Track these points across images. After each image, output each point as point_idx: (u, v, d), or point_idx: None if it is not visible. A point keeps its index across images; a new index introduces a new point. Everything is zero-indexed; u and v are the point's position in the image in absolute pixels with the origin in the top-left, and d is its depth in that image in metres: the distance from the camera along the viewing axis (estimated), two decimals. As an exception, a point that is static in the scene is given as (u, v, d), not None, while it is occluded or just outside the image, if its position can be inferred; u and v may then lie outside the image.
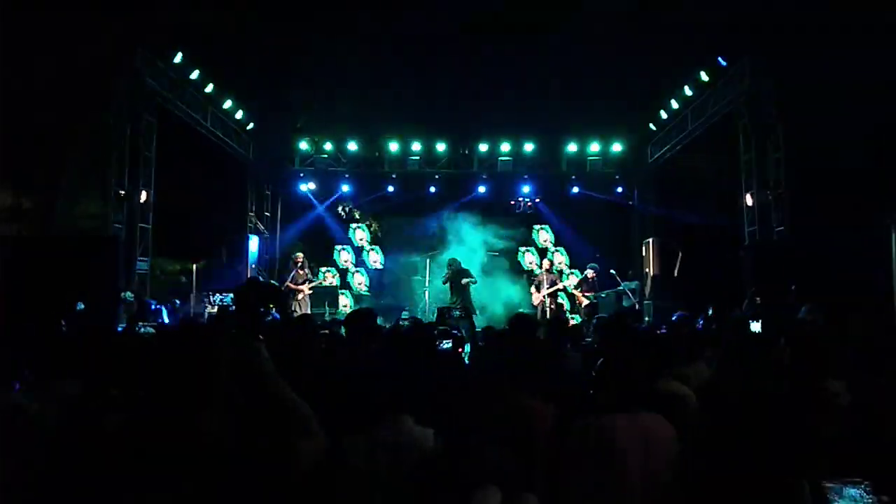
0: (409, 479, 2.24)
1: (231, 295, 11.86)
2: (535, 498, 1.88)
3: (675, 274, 13.07)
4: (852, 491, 1.93)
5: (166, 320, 9.94)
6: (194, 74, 11.61)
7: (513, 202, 15.90)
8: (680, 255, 13.17)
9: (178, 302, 11.68)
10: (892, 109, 9.09)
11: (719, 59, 11.13)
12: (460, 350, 5.75)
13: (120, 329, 6.81)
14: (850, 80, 9.18)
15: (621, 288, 12.48)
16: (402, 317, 11.78)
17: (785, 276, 9.72)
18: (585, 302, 12.63)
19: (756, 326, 6.75)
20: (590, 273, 12.87)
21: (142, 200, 10.76)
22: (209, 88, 12.17)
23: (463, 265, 12.75)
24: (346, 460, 2.40)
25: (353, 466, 2.39)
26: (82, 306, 7.90)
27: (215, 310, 11.64)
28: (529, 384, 2.79)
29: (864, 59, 8.87)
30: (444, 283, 12.69)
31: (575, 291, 13.04)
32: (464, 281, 12.26)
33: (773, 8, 8.86)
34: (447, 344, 5.09)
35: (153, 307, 10.11)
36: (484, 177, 15.38)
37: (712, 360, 3.96)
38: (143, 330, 6.36)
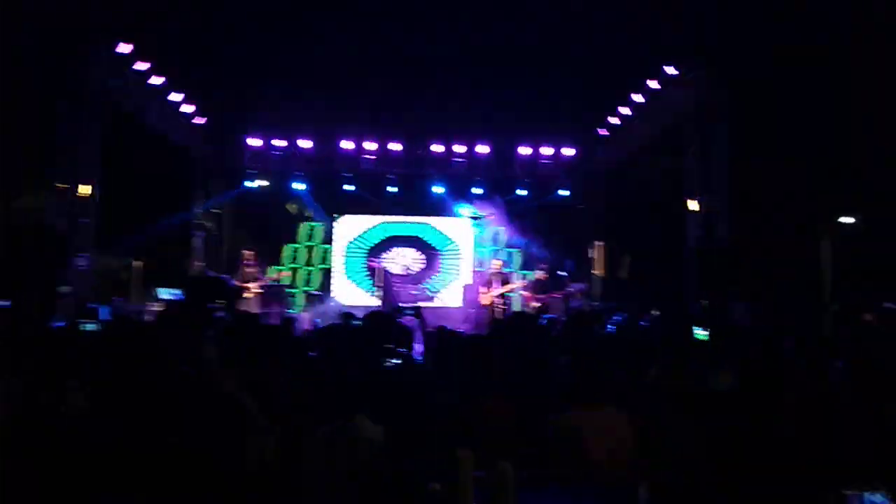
0: (362, 473, 2.25)
1: (175, 292, 11.58)
2: (510, 466, 1.89)
3: (623, 276, 13.40)
4: (874, 498, 1.94)
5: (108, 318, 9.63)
6: (141, 66, 11.27)
7: (467, 213, 16.00)
8: (628, 258, 13.51)
9: (119, 299, 11.33)
10: (833, 124, 9.50)
11: (668, 67, 11.45)
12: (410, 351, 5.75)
13: (59, 326, 6.55)
14: (797, 94, 9.57)
15: (571, 290, 12.71)
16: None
17: (726, 280, 10.09)
18: (535, 304, 12.81)
19: (702, 333, 6.98)
20: (540, 275, 13.08)
21: (83, 194, 10.40)
22: (157, 80, 11.83)
23: None
24: (304, 455, 2.39)
25: (310, 461, 2.39)
26: (7, 304, 7.54)
27: (159, 307, 11.34)
28: (490, 383, 2.83)
29: (812, 74, 9.25)
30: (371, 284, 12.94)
31: (525, 293, 13.21)
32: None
33: (723, 17, 9.16)
34: (395, 361, 5.03)
35: (89, 306, 9.77)
36: (438, 178, 15.44)
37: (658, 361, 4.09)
38: (86, 327, 6.13)
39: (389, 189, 15.47)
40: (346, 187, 15.45)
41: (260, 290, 12.98)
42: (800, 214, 10.35)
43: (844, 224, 10.36)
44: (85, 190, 10.40)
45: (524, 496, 2.15)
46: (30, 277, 8.19)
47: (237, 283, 12.59)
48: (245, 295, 12.62)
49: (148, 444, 2.02)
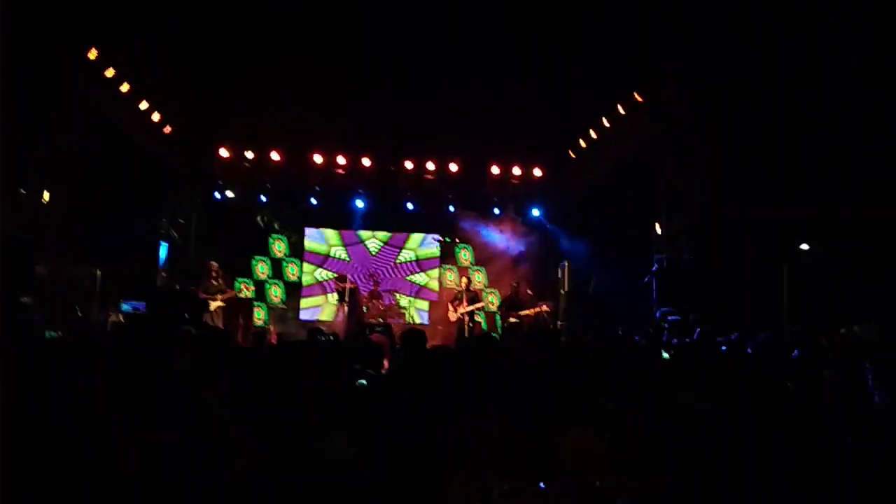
0: (335, 489, 2.24)
1: (138, 304, 11.34)
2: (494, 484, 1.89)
3: (589, 290, 13.57)
4: None
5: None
6: (110, 72, 11.13)
7: (440, 239, 16.06)
8: (593, 278, 13.68)
9: (77, 309, 11.04)
10: (802, 150, 9.80)
11: (636, 92, 11.73)
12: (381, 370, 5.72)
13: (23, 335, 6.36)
14: (765, 120, 9.85)
15: (539, 308, 12.84)
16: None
17: (689, 301, 10.32)
18: (512, 320, 12.82)
19: (664, 352, 7.11)
20: (513, 290, 13.05)
21: (44, 200, 10.15)
22: (125, 88, 11.68)
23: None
24: (275, 471, 2.37)
25: (283, 480, 2.37)
26: None
27: (119, 318, 11.08)
28: (472, 401, 2.84)
29: (781, 98, 9.53)
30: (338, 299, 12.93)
31: (497, 310, 13.24)
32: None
33: (693, 42, 9.42)
34: (362, 381, 5.00)
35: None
36: (409, 194, 15.47)
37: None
38: (49, 335, 5.98)
39: (359, 204, 15.45)
40: (313, 201, 15.39)
41: (223, 304, 12.80)
42: (763, 237, 10.64)
43: (804, 249, 10.70)
44: (46, 196, 10.15)
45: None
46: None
47: (203, 295, 12.41)
48: (210, 308, 12.44)
49: (117, 457, 1.98)
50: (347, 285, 13.91)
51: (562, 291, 14.37)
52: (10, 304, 7.91)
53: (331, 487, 2.34)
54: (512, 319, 12.96)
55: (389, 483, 2.19)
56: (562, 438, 2.51)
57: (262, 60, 11.37)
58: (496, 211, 15.83)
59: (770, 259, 10.51)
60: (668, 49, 9.92)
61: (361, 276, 15.41)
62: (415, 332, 6.47)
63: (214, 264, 12.96)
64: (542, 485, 2.34)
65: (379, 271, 15.63)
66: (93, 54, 10.50)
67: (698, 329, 9.35)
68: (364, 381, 4.90)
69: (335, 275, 15.36)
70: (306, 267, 15.86)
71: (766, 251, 10.67)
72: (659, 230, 11.78)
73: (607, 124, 12.97)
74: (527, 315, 13.18)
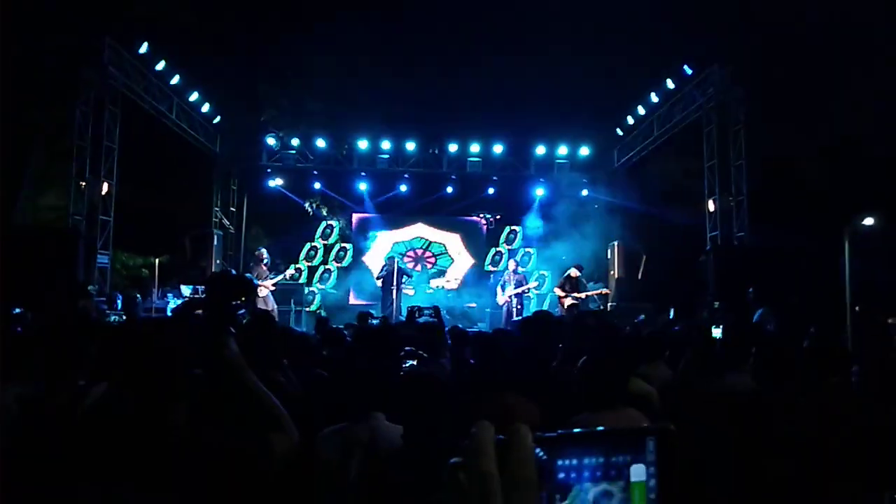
0: (380, 474, 2.26)
1: (192, 288, 11.69)
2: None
3: (640, 276, 13.31)
4: None
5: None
6: (160, 66, 11.41)
7: (477, 217, 16.08)
8: (644, 257, 13.42)
9: (138, 296, 11.46)
10: (850, 122, 9.42)
11: (685, 67, 11.38)
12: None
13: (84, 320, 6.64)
14: (813, 93, 9.49)
15: (589, 290, 12.64)
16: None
17: (744, 279, 10.01)
18: (569, 302, 12.53)
19: (717, 331, 6.93)
20: (573, 272, 12.79)
21: (103, 192, 10.54)
22: (175, 80, 11.96)
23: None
24: (320, 456, 2.41)
25: (326, 462, 2.40)
26: (19, 311, 7.62)
27: (177, 305, 11.47)
28: (513, 384, 2.83)
29: (827, 72, 9.18)
30: (378, 279, 12.89)
31: (558, 291, 12.99)
32: (404, 280, 12.47)
33: (740, 19, 9.10)
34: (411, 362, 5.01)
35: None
36: (453, 177, 15.45)
37: (673, 361, 4.09)
38: (113, 319, 6.22)
39: (402, 188, 15.53)
40: (361, 186, 15.55)
41: (274, 288, 13.06)
42: (820, 215, 10.24)
43: (864, 225, 10.24)
44: (105, 188, 10.53)
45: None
46: (55, 277, 8.29)
47: (255, 281, 12.67)
48: (260, 293, 12.70)
49: (171, 441, 2.04)
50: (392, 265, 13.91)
51: (612, 272, 14.14)
52: (75, 292, 8.26)
53: (372, 471, 2.37)
54: (569, 301, 12.68)
55: (431, 465, 2.20)
56: (603, 420, 2.48)
57: (305, 48, 11.50)
58: (542, 192, 15.66)
59: (829, 235, 10.11)
60: (716, 25, 9.60)
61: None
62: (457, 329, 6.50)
63: (263, 251, 13.22)
64: None
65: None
66: (144, 48, 10.79)
67: (760, 310, 9.09)
68: (414, 362, 4.95)
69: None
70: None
71: (825, 227, 10.27)
72: (712, 207, 11.46)
73: (656, 99, 12.64)
74: (584, 297, 12.83)
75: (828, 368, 3.20)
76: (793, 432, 2.52)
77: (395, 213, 16.13)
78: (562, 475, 0.78)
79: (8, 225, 9.80)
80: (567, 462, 0.78)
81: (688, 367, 3.71)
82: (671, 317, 10.11)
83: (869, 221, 10.41)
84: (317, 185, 15.56)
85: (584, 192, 15.61)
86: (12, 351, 3.07)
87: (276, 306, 12.79)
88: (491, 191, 15.61)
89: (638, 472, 0.78)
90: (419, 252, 15.80)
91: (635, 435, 0.79)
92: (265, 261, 12.98)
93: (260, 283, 12.76)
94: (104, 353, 3.37)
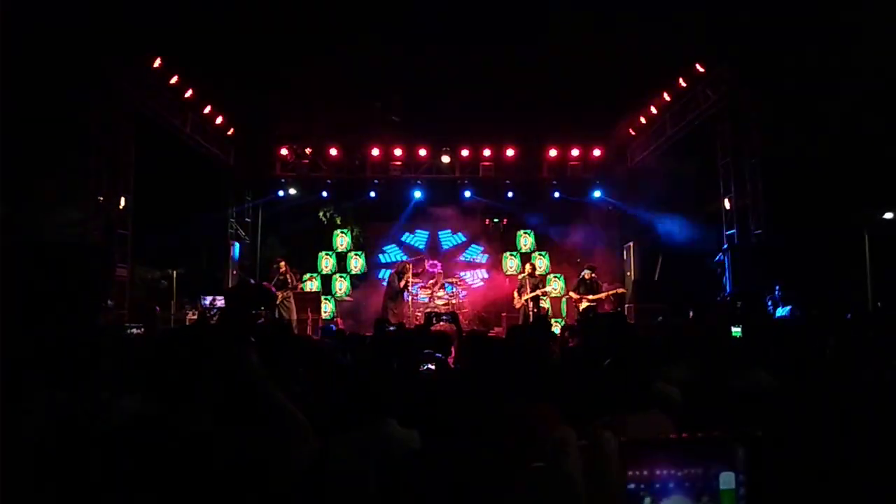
0: (394, 478, 2.26)
1: (211, 299, 11.78)
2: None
3: (656, 277, 13.22)
4: None
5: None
6: (173, 80, 11.54)
7: (487, 222, 16.12)
8: (660, 258, 13.33)
9: (157, 308, 11.56)
10: (864, 116, 9.31)
11: (697, 65, 11.31)
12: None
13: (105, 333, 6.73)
14: (826, 89, 9.40)
15: (605, 290, 12.61)
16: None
17: (762, 278, 9.91)
18: (585, 304, 12.50)
19: (737, 330, 6.87)
20: (587, 274, 12.76)
21: (121, 206, 10.65)
22: (188, 94, 12.10)
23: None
24: (333, 461, 2.41)
25: (339, 467, 2.40)
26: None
27: (195, 316, 11.55)
28: (531, 388, 2.81)
29: (841, 68, 9.09)
30: (387, 287, 13.00)
31: (574, 294, 12.98)
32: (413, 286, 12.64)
33: (752, 16, 9.03)
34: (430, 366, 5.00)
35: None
36: (466, 182, 15.47)
37: (693, 361, 4.05)
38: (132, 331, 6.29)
39: (416, 195, 15.57)
40: (373, 194, 15.62)
41: (291, 297, 13.12)
42: (836, 210, 10.13)
43: (884, 219, 10.12)
44: (123, 203, 10.65)
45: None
46: (75, 292, 8.37)
47: (273, 290, 12.75)
48: (278, 302, 12.77)
49: (196, 449, 2.05)
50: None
51: (628, 273, 14.06)
52: (94, 305, 8.35)
53: (392, 476, 2.37)
54: (584, 303, 12.64)
55: (452, 472, 2.19)
56: (627, 423, 2.45)
57: (314, 57, 11.53)
58: (556, 194, 15.63)
59: (848, 230, 9.99)
60: (729, 25, 9.54)
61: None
62: (474, 334, 6.47)
63: (282, 261, 13.29)
64: None
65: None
66: (157, 62, 10.91)
67: (789, 307, 9.00)
68: (431, 366, 4.94)
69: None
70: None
71: (844, 222, 10.15)
72: (728, 205, 11.36)
73: (668, 98, 12.58)
74: (600, 298, 12.80)
75: (853, 363, 3.16)
76: (816, 428, 2.49)
77: (409, 220, 16.17)
78: (642, 485, 0.77)
79: (30, 240, 9.94)
80: (649, 471, 0.77)
81: (709, 366, 3.68)
82: (689, 316, 10.03)
83: (889, 216, 10.28)
84: (327, 195, 15.68)
85: (598, 194, 15.54)
86: (36, 363, 3.11)
87: (294, 315, 12.87)
88: (510, 194, 15.62)
89: (727, 479, 0.77)
90: (428, 258, 15.79)
91: (725, 442, 0.78)
92: (283, 270, 13.07)
93: (278, 292, 12.85)
94: (126, 366, 3.41)
